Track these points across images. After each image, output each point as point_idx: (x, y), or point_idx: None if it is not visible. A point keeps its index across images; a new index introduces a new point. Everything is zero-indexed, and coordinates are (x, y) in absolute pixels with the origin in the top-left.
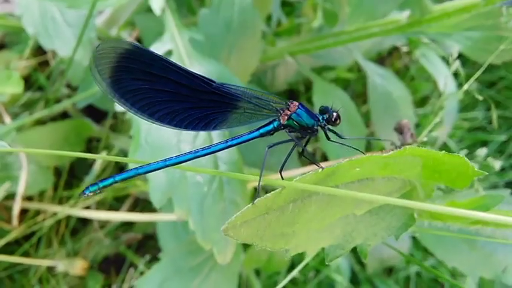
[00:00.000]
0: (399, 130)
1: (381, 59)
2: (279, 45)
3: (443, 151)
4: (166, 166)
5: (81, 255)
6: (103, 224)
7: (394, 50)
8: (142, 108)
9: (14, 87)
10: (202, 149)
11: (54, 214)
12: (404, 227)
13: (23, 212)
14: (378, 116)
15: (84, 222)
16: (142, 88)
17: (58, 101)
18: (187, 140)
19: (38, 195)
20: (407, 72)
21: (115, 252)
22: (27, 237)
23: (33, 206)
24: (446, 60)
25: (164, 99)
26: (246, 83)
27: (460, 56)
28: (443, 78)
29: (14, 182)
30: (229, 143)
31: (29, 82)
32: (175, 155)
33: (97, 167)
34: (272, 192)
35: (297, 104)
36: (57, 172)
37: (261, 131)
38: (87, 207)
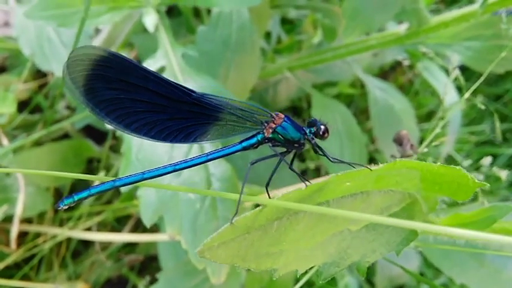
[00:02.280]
0: (398, 141)
1: (384, 75)
2: (279, 62)
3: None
4: (144, 179)
5: (83, 278)
6: (105, 246)
7: (397, 65)
8: (118, 119)
9: (8, 108)
10: (184, 161)
11: (55, 236)
12: (405, 242)
13: (23, 234)
14: (380, 130)
15: (86, 244)
16: (117, 98)
17: (57, 122)
18: (179, 156)
19: (38, 218)
20: (412, 87)
21: (117, 274)
22: (27, 260)
23: (32, 228)
24: (448, 72)
25: (141, 110)
26: (246, 100)
27: (466, 70)
28: (444, 88)
29: (12, 204)
30: (210, 157)
31: (29, 105)
32: (154, 168)
33: None
34: (252, 211)
35: (282, 116)
36: (58, 193)
37: (244, 144)
38: (88, 229)
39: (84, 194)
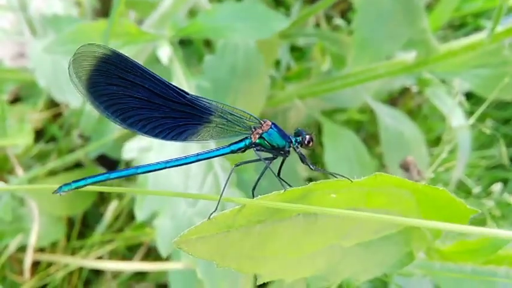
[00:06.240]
0: (405, 167)
1: (393, 100)
2: (289, 90)
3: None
4: (137, 173)
5: None
6: (116, 274)
7: (406, 90)
8: (115, 113)
9: (25, 139)
10: (175, 159)
11: (67, 265)
12: (399, 264)
13: (35, 263)
14: (390, 157)
15: (97, 272)
16: (116, 93)
17: (71, 151)
18: (194, 186)
19: (50, 246)
20: (420, 111)
21: None
22: None
23: (45, 257)
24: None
25: (137, 106)
26: None
27: (474, 95)
28: (451, 112)
29: (26, 234)
30: (199, 157)
31: (43, 134)
32: (146, 163)
33: (109, 216)
34: (231, 209)
35: (270, 123)
36: (71, 222)
37: (232, 147)
38: (100, 258)
39: (81, 182)
